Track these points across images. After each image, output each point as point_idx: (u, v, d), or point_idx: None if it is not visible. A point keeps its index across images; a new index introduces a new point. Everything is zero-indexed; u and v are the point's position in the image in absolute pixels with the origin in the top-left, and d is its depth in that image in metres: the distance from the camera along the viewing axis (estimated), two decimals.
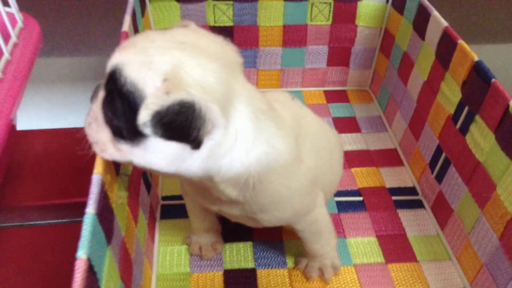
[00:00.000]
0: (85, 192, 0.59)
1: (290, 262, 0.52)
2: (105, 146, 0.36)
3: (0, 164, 0.43)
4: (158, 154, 0.34)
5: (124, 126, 0.34)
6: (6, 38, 0.46)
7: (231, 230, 0.55)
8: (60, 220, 0.58)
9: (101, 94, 0.35)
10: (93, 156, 0.37)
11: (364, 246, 0.54)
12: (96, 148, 0.37)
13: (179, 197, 0.58)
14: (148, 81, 0.32)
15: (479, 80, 0.48)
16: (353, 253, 0.53)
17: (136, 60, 0.33)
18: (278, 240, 0.54)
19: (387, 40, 0.72)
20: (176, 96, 0.31)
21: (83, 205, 0.60)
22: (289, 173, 0.41)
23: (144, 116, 0.31)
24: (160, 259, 0.52)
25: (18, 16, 0.50)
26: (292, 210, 0.44)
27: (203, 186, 0.41)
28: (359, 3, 0.71)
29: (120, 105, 0.33)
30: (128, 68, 0.33)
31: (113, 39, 0.82)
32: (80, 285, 0.28)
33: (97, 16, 0.80)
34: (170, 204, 0.58)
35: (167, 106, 0.31)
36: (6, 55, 0.44)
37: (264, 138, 0.38)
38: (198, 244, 0.53)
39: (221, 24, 0.71)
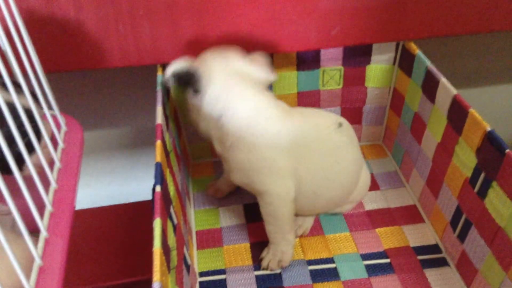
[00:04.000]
0: (129, 273, 0.62)
1: None
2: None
3: None
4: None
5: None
6: (53, 143, 0.50)
7: None
8: None
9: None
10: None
11: None
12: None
13: (216, 272, 0.61)
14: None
15: (492, 149, 0.52)
16: None
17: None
18: None
19: (396, 99, 0.76)
20: (184, 66, 0.57)
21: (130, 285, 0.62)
22: (255, 151, 0.57)
23: (167, 73, 0.58)
24: None
25: (61, 119, 0.54)
26: (249, 180, 0.59)
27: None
28: (367, 66, 0.75)
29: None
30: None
31: (125, 111, 0.88)
32: None
33: (122, 93, 0.85)
34: (207, 280, 0.61)
35: (179, 70, 0.57)
36: (57, 164, 0.48)
37: (253, 119, 0.57)
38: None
39: None
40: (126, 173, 0.95)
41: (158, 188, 0.48)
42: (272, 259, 0.61)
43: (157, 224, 0.44)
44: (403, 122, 0.75)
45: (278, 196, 0.58)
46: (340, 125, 0.62)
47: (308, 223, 0.67)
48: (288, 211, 0.59)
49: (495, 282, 0.52)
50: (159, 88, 0.63)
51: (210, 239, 0.66)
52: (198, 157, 0.81)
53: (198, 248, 0.65)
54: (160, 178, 0.50)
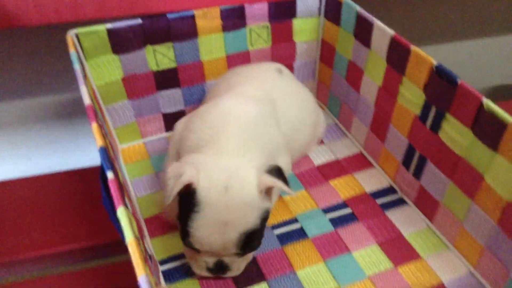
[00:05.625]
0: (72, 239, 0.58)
1: None
2: None
3: None
4: None
5: None
6: None
7: (241, 276, 0.54)
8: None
9: None
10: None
11: (370, 256, 0.56)
12: None
13: (175, 258, 0.56)
14: None
15: (442, 82, 0.53)
16: (363, 266, 0.55)
17: None
18: (291, 273, 0.55)
19: (326, 51, 0.75)
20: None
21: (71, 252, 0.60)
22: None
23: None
24: None
25: None
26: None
27: None
28: (293, 20, 0.73)
29: None
30: None
31: (61, 77, 0.79)
32: None
33: (43, 57, 0.75)
34: (169, 268, 0.55)
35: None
36: None
37: None
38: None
39: (164, 67, 0.69)
40: (68, 143, 0.87)
41: (110, 175, 0.42)
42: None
43: (122, 213, 0.38)
44: (336, 73, 0.74)
45: (287, 172, 0.56)
46: (280, 71, 0.63)
47: None
48: None
49: (461, 210, 0.54)
50: (77, 68, 0.55)
51: (161, 225, 0.61)
52: (126, 140, 0.73)
53: (151, 237, 0.59)
54: (108, 162, 0.43)
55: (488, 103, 0.47)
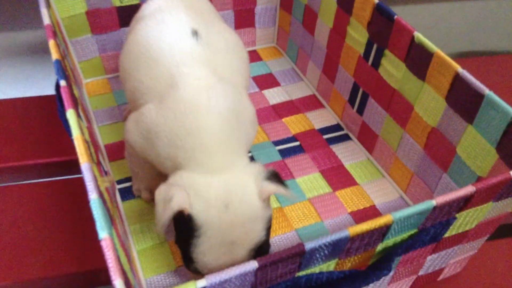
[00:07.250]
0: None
1: None
2: None
3: None
4: None
5: None
6: None
7: None
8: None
9: None
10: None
11: (312, 182, 0.61)
12: None
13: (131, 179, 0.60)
14: None
15: (382, 19, 0.56)
16: (304, 190, 0.60)
17: None
18: None
19: None
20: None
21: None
22: None
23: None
24: (135, 237, 0.54)
25: None
26: None
27: None
28: None
29: None
30: None
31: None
32: (114, 263, 0.30)
33: None
34: (126, 186, 0.59)
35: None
36: None
37: None
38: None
39: (127, 3, 0.71)
40: (43, 79, 0.87)
41: (63, 83, 0.45)
42: None
43: (71, 115, 0.41)
44: (295, 18, 0.77)
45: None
46: (195, 33, 0.49)
47: None
48: None
49: (395, 140, 0.59)
50: None
51: (120, 151, 0.64)
52: (90, 75, 0.76)
53: (110, 160, 0.63)
54: (62, 74, 0.46)
55: (418, 35, 0.51)
